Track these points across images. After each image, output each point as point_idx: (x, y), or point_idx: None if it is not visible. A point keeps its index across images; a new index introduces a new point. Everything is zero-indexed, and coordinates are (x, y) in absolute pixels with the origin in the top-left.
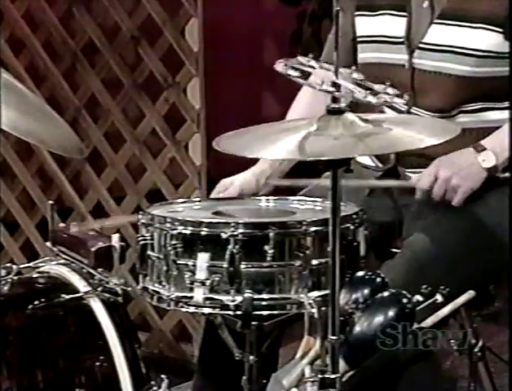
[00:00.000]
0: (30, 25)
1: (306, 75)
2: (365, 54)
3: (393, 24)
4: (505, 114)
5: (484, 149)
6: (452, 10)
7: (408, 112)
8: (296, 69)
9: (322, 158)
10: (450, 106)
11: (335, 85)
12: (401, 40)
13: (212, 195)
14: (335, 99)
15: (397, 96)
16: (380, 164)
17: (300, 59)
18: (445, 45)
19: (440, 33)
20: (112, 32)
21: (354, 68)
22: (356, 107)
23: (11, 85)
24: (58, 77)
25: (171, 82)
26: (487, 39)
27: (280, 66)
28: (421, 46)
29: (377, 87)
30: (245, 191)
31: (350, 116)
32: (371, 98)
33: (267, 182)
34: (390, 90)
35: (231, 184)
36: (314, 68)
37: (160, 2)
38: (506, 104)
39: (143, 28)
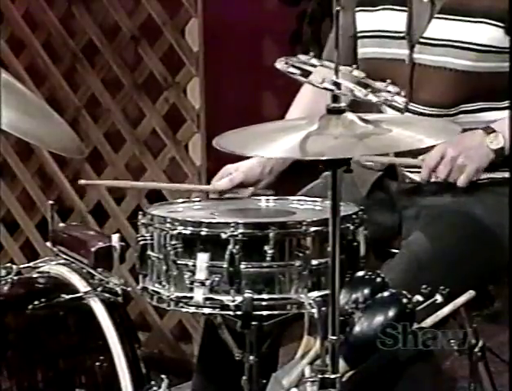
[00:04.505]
0: (30, 25)
1: (306, 73)
2: (365, 50)
3: (394, 19)
4: (505, 114)
5: (494, 131)
6: (453, 4)
7: (407, 109)
8: (296, 67)
9: (322, 158)
10: (450, 101)
11: (336, 83)
12: (402, 35)
13: (214, 180)
14: (336, 98)
15: (398, 94)
16: (379, 164)
17: (301, 57)
18: (446, 39)
19: (441, 28)
20: (112, 32)
21: (354, 66)
22: (357, 106)
23: (11, 85)
24: (58, 77)
25: (171, 82)
26: (488, 33)
27: (280, 64)
28: (421, 40)
29: (378, 85)
30: (249, 177)
31: (350, 115)
32: (371, 97)
33: (272, 170)
34: (391, 88)
35: (235, 170)
36: (315, 66)
37: (160, 2)
38: (506, 104)
39: (143, 28)
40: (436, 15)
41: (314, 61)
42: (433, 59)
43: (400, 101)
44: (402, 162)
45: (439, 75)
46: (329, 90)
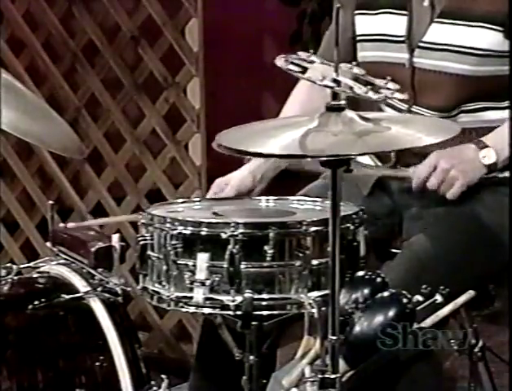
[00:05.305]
0: (30, 25)
1: (306, 71)
2: (365, 53)
3: (393, 23)
4: (505, 113)
5: (486, 146)
6: (452, 8)
7: (409, 111)
8: (296, 65)
9: (321, 155)
10: (451, 105)
11: (335, 81)
12: (402, 39)
13: (208, 197)
14: (335, 96)
15: (398, 91)
16: (380, 164)
17: (301, 54)
18: (445, 44)
19: (440, 32)
20: (112, 32)
21: (354, 63)
22: (356, 105)
23: (11, 85)
24: (58, 77)
25: (171, 82)
26: (487, 38)
27: (280, 61)
28: (421, 44)
29: (378, 82)
30: (242, 189)
31: (349, 113)
32: (371, 94)
33: (263, 177)
34: (390, 85)
35: (226, 184)
36: (314, 63)
37: (160, 2)
38: (506, 104)
39: (143, 28)
40: (436, 19)
41: (314, 58)
42: (433, 63)
43: (400, 98)
44: (392, 174)
45: (439, 79)
46: (330, 88)
